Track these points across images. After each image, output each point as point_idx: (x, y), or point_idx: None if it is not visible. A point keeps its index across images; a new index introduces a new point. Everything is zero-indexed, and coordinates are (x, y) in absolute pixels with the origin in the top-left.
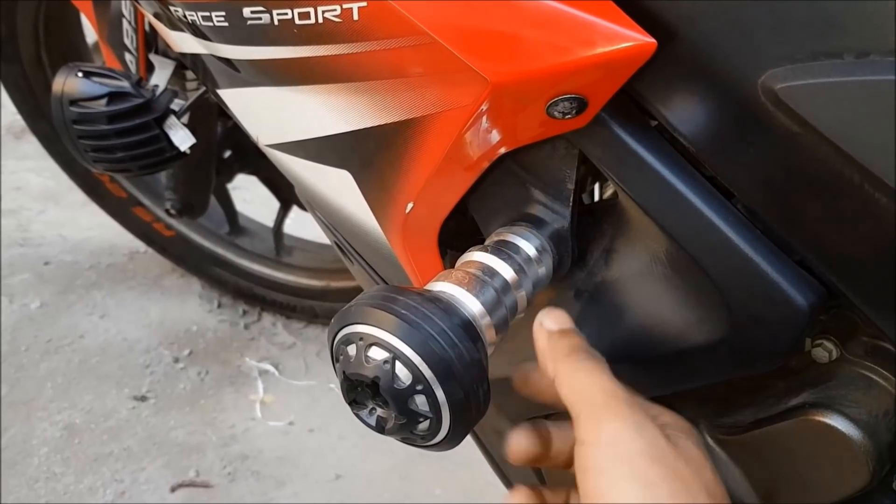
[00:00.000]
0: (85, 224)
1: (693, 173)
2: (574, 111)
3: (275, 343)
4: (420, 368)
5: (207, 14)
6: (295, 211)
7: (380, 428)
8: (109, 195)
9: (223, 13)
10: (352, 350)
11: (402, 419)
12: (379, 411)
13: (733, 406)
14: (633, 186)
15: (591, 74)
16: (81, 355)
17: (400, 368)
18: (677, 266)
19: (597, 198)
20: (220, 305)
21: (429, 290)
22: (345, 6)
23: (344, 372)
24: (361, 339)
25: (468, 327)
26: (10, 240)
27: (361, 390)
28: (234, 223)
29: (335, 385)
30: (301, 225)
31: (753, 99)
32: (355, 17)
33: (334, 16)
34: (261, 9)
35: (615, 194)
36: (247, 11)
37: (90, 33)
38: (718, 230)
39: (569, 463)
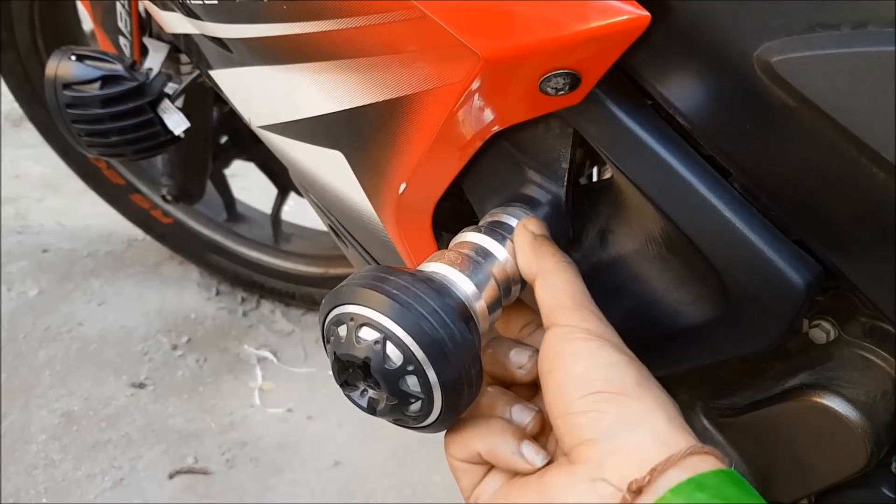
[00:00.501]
0: (83, 212)
1: (689, 151)
2: (567, 87)
3: (273, 330)
4: (411, 349)
5: None
6: (293, 198)
7: (371, 409)
8: (107, 182)
9: None
10: (342, 331)
11: (393, 400)
12: (370, 392)
13: (730, 388)
14: (628, 165)
15: (584, 49)
16: (80, 343)
17: (391, 349)
18: (673, 246)
19: (594, 177)
20: (218, 293)
21: (421, 271)
22: None
23: (335, 353)
24: (352, 319)
25: (460, 308)
26: (9, 227)
27: (353, 371)
28: (232, 210)
29: (330, 364)
30: (299, 212)
31: (749, 73)
32: None
33: None
34: None
35: (611, 173)
36: None
37: (87, 20)
38: (715, 209)
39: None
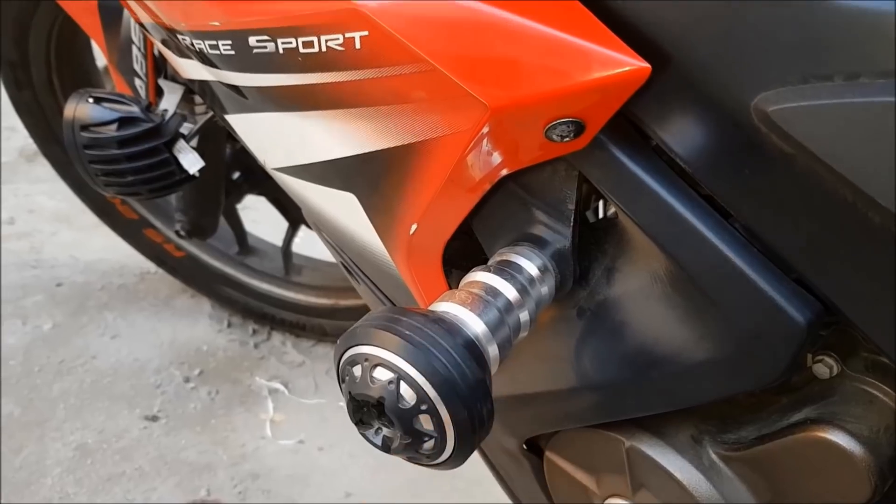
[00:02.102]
0: (96, 245)
1: (690, 193)
2: (572, 134)
3: (284, 362)
4: (424, 388)
5: (214, 43)
6: (303, 230)
7: (386, 447)
8: (121, 217)
9: (229, 42)
10: (357, 371)
11: (407, 438)
12: (385, 431)
13: (737, 422)
14: (632, 207)
15: (588, 99)
16: (94, 376)
17: (405, 389)
18: (677, 284)
19: (600, 214)
20: (230, 325)
21: (433, 311)
22: (347, 35)
23: (350, 392)
24: (366, 359)
25: (472, 347)
26: (24, 262)
27: (367, 410)
28: (244, 243)
29: (344, 403)
30: (309, 244)
31: (747, 121)
32: (357, 45)
33: (337, 44)
34: (266, 38)
35: (616, 212)
36: (252, 40)
37: (101, 57)
38: (716, 249)
39: None
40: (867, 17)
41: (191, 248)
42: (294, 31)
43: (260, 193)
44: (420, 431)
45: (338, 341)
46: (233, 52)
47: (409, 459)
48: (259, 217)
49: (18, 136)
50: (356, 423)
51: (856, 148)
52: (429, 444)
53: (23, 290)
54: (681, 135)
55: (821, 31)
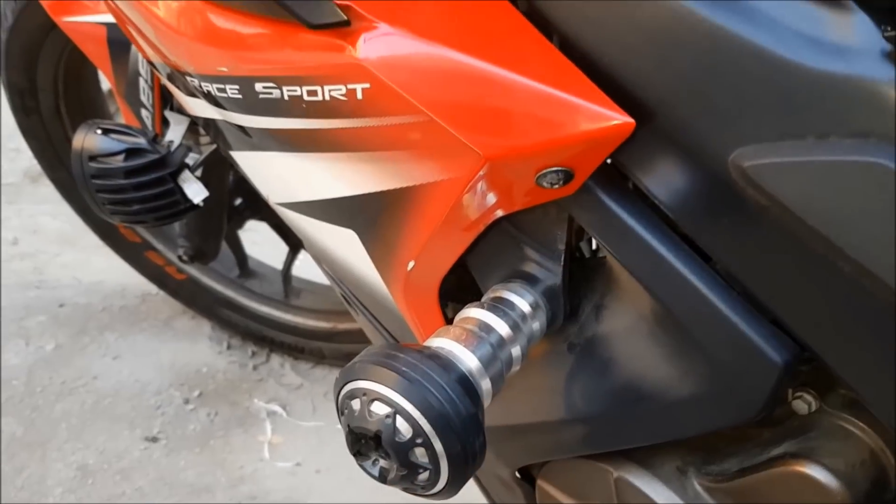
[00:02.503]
0: (99, 266)
1: (673, 238)
2: (562, 181)
3: (283, 384)
4: (420, 423)
5: (222, 86)
6: (303, 254)
7: (382, 478)
8: (123, 240)
9: (237, 86)
10: (356, 405)
11: (403, 470)
12: (381, 462)
13: (720, 454)
14: (619, 249)
15: (576, 150)
16: (95, 396)
17: (401, 423)
18: (662, 323)
19: (589, 253)
20: (229, 347)
21: (428, 347)
22: (349, 86)
23: (349, 425)
24: (365, 394)
25: (465, 382)
26: (27, 282)
27: (365, 442)
28: (244, 266)
29: (343, 435)
30: (309, 267)
31: (724, 174)
32: (359, 96)
33: (340, 95)
34: (272, 85)
35: (604, 252)
36: (259, 87)
37: (105, 81)
38: (697, 291)
39: None
40: (837, 81)
41: (192, 270)
42: (299, 81)
43: (261, 219)
44: (415, 463)
45: (337, 375)
46: (240, 96)
47: (405, 490)
48: (259, 239)
49: (23, 157)
50: (354, 455)
51: (826, 203)
52: (424, 476)
53: (26, 311)
54: (663, 183)
55: (793, 92)
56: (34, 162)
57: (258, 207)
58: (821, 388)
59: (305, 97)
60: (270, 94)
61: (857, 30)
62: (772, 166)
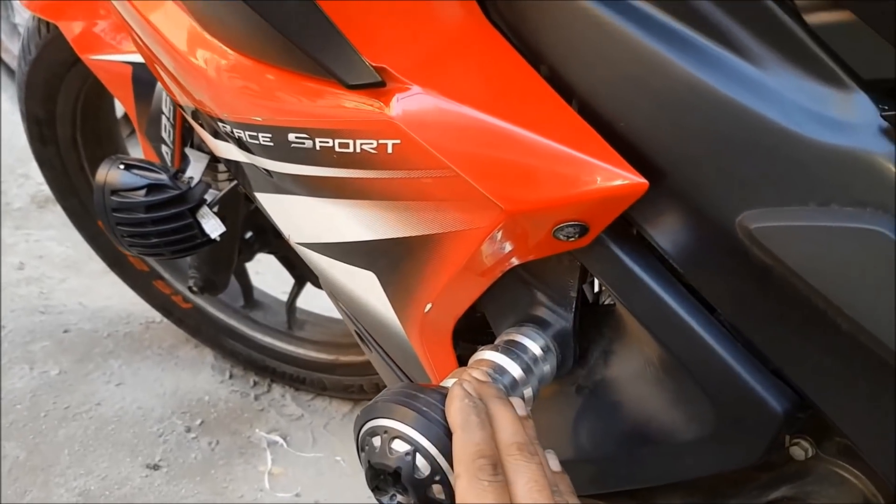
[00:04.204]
0: (104, 293)
1: (681, 290)
2: (577, 235)
3: (283, 414)
4: (438, 461)
5: (255, 134)
6: (308, 286)
7: None
8: (132, 269)
9: (270, 135)
10: (376, 441)
11: None
12: (399, 498)
13: (721, 496)
14: (628, 299)
15: (592, 206)
16: (98, 423)
17: (420, 460)
18: (668, 370)
19: (600, 300)
20: (231, 376)
21: (445, 388)
22: (380, 141)
23: (369, 461)
24: (386, 432)
25: None
26: (33, 307)
27: (384, 478)
28: (250, 297)
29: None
30: (313, 298)
31: (732, 234)
32: (389, 150)
33: (371, 148)
34: (305, 136)
35: (614, 300)
36: (292, 136)
37: (119, 107)
38: (702, 340)
39: None
40: (839, 153)
41: (198, 300)
42: (332, 133)
43: (270, 252)
44: (433, 499)
45: (359, 413)
46: (272, 144)
47: None
48: (262, 268)
49: (31, 182)
50: (373, 490)
51: (827, 265)
52: None
53: (31, 335)
54: (673, 238)
55: (798, 162)
56: (41, 188)
57: (267, 240)
58: (817, 435)
59: (337, 148)
60: (303, 143)
61: (858, 107)
62: (777, 229)
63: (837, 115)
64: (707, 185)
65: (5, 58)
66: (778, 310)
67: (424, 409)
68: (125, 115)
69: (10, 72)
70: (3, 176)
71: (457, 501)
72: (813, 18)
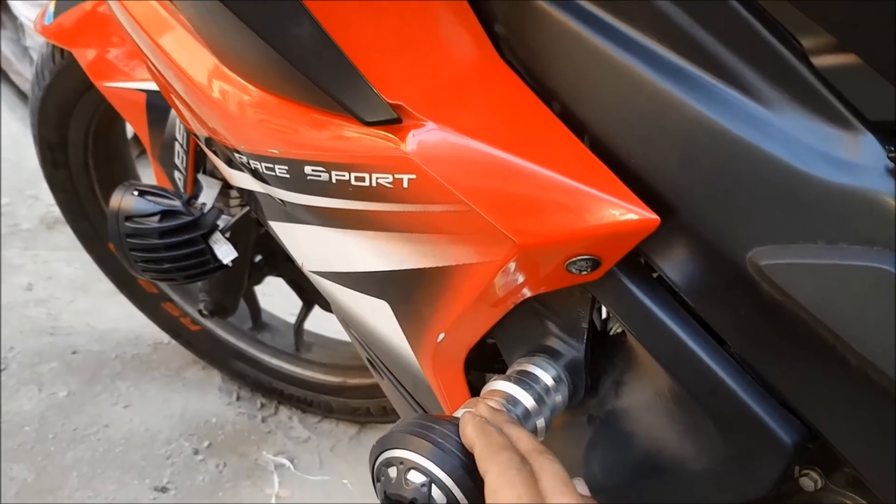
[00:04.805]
0: (111, 314)
1: (692, 322)
2: (589, 268)
3: (290, 437)
4: (454, 492)
5: (271, 166)
6: (316, 309)
7: None
8: (141, 291)
9: (286, 167)
10: (392, 472)
11: None
12: None
13: None
14: (639, 331)
15: (604, 241)
16: (106, 445)
17: (436, 491)
18: (678, 401)
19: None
20: (238, 398)
21: (458, 418)
22: (396, 176)
23: (385, 492)
24: (402, 463)
25: None
26: (41, 328)
27: None
28: (258, 320)
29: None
30: (320, 321)
31: (742, 270)
32: (405, 185)
33: (387, 182)
34: (321, 169)
35: (625, 331)
36: (308, 169)
37: (129, 128)
38: (713, 373)
39: None
40: (846, 193)
41: (206, 322)
42: (348, 167)
43: (278, 275)
44: None
45: (374, 443)
46: (288, 176)
47: None
48: (269, 290)
49: (40, 204)
50: None
51: (835, 302)
52: None
53: (39, 357)
54: (684, 273)
55: (807, 201)
56: (50, 209)
57: (276, 264)
58: (826, 466)
59: (353, 182)
60: (319, 176)
61: (865, 148)
62: (786, 266)
63: (845, 156)
64: (717, 222)
65: (16, 80)
66: (787, 344)
67: (440, 440)
68: (135, 136)
69: (21, 94)
70: (12, 197)
71: (486, 495)
72: (820, 61)
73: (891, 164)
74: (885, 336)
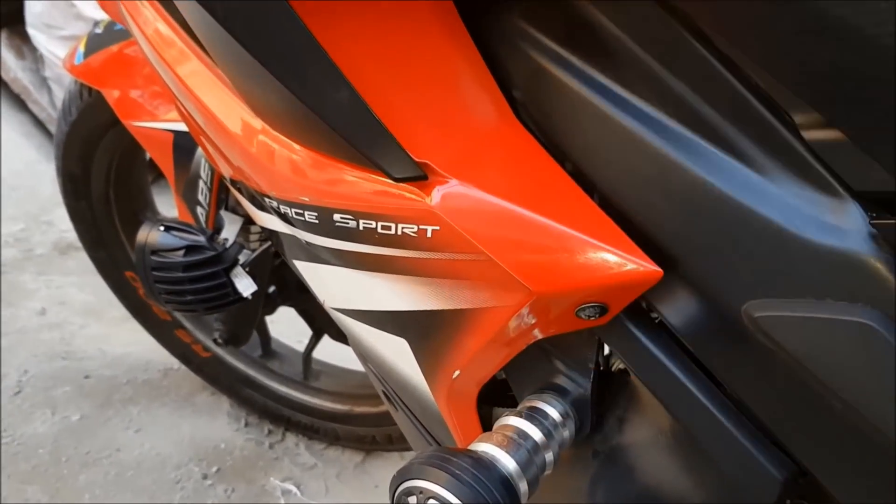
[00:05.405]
0: (123, 339)
1: (691, 366)
2: (597, 314)
3: (297, 463)
4: None
5: (301, 212)
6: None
7: None
8: (155, 318)
9: (315, 214)
10: (412, 500)
11: None
12: None
13: None
14: (643, 373)
15: (611, 290)
16: (118, 468)
17: None
18: (678, 438)
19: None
20: (246, 424)
21: (474, 451)
22: (421, 226)
23: None
24: (421, 492)
25: (507, 484)
26: (54, 353)
27: None
28: (267, 347)
29: None
30: (329, 349)
31: (738, 320)
32: (429, 235)
33: (412, 232)
34: (350, 217)
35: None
36: (337, 216)
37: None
38: (711, 413)
39: None
40: (833, 254)
41: (217, 349)
42: (375, 217)
43: (290, 305)
44: None
45: (395, 474)
46: (316, 222)
47: None
48: (276, 317)
49: (54, 229)
50: None
51: (823, 353)
52: None
53: (53, 381)
54: (684, 320)
55: (795, 259)
56: (64, 235)
57: (289, 294)
58: (815, 500)
59: (379, 230)
60: (347, 224)
61: (849, 214)
62: (778, 318)
63: (831, 220)
64: (715, 276)
65: (34, 109)
66: (778, 388)
67: (458, 472)
68: (149, 162)
69: (38, 122)
70: (27, 223)
71: None
72: (810, 135)
73: (873, 230)
74: (869, 386)
